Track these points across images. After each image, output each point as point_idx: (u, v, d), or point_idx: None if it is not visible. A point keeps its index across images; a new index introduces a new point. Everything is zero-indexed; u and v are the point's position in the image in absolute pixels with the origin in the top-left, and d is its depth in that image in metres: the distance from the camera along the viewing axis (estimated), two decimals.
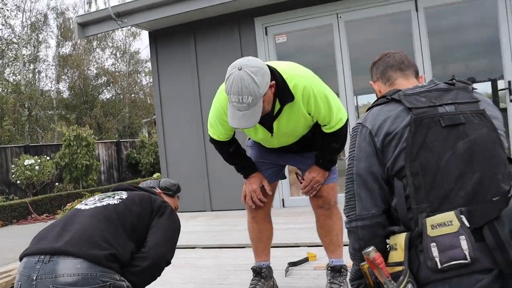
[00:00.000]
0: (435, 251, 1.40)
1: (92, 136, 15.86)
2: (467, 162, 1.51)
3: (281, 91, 2.53)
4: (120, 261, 1.94)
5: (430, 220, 1.44)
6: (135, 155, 19.35)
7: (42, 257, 1.85)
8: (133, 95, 28.88)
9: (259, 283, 3.00)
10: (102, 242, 1.91)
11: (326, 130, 2.72)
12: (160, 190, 2.67)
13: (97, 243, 1.90)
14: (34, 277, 1.81)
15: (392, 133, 1.60)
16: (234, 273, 3.62)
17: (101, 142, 18.75)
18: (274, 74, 2.50)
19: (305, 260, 3.76)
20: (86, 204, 2.18)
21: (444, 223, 1.42)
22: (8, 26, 23.56)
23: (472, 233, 1.42)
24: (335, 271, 2.96)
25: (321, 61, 7.68)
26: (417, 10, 5.98)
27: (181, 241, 5.08)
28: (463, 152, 1.52)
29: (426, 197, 1.48)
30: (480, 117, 1.58)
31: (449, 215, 1.43)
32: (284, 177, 3.23)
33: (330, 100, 2.65)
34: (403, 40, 6.81)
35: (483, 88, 10.76)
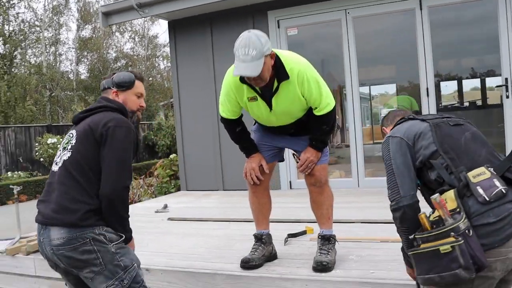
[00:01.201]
0: (481, 191, 1.99)
1: None
2: (475, 142, 2.19)
3: (278, 69, 3.02)
4: (94, 211, 2.40)
5: (470, 174, 2.04)
6: (152, 137, 19.90)
7: (40, 226, 2.46)
8: (150, 78, 29.41)
9: (259, 247, 3.48)
10: (73, 205, 2.38)
11: (316, 113, 3.18)
12: (115, 89, 2.72)
13: (69, 208, 2.38)
14: (41, 239, 2.44)
15: (418, 132, 2.24)
16: (240, 242, 4.11)
17: None
18: (275, 54, 3.02)
19: (303, 232, 4.24)
20: (56, 164, 2.58)
21: (480, 173, 2.03)
22: (31, 10, 24.18)
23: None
24: (325, 239, 3.43)
25: (329, 53, 8.09)
26: (421, 9, 6.36)
27: (193, 215, 5.62)
28: (470, 137, 2.21)
29: (460, 162, 2.10)
30: (469, 122, 2.34)
31: (481, 169, 2.05)
32: (283, 159, 3.65)
33: (320, 86, 3.13)
34: (406, 36, 7.20)
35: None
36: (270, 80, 3.04)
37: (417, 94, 6.79)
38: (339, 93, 9.13)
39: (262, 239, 3.52)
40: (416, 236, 2.08)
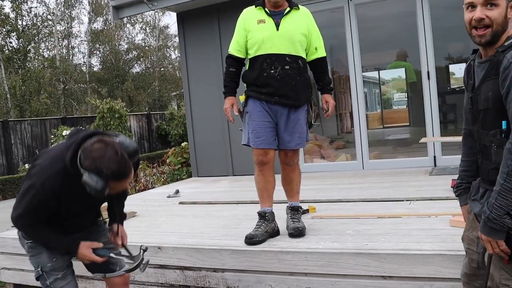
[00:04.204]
0: None
1: (124, 109, 16.75)
2: None
3: (291, 2, 3.73)
4: None
5: None
6: (165, 126, 20.23)
7: None
8: (162, 69, 29.70)
9: (263, 224, 3.74)
10: None
11: (317, 55, 3.81)
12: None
13: None
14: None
15: None
16: (246, 221, 4.35)
17: (133, 115, 19.69)
18: None
19: (306, 211, 4.47)
20: None
21: None
22: (43, 4, 24.54)
23: None
24: (295, 210, 3.89)
25: (335, 40, 8.25)
26: None
27: (203, 199, 5.87)
28: None
29: None
30: None
31: None
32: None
33: (319, 31, 3.83)
34: (407, 21, 7.35)
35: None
36: (283, 6, 3.68)
37: (419, 77, 6.95)
38: (348, 79, 9.33)
39: (266, 216, 3.77)
40: None
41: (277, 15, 3.66)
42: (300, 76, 3.71)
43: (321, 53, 3.84)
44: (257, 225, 3.76)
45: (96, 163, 2.31)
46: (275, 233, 3.82)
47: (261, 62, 3.67)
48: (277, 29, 3.62)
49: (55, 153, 2.60)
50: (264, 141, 3.69)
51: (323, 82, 3.91)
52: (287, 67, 3.65)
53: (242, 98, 3.85)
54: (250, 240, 3.63)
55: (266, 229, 3.73)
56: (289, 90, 3.66)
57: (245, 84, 3.85)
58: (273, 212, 3.84)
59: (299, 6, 3.76)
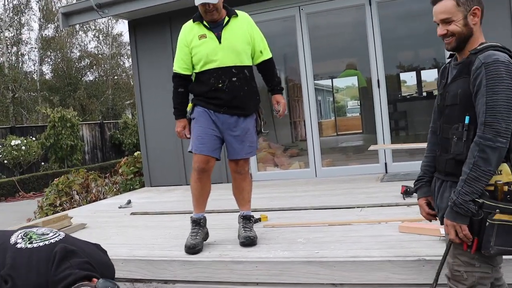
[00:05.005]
0: None
1: (76, 118, 16.39)
2: None
3: (229, 10, 3.70)
4: None
5: None
6: (118, 135, 19.91)
7: None
8: (116, 77, 29.23)
9: (199, 231, 3.75)
10: None
11: (263, 57, 3.83)
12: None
13: None
14: None
15: None
16: None
17: (85, 123, 19.29)
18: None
19: (258, 220, 4.46)
20: None
21: None
22: None
23: None
24: (246, 219, 3.87)
25: (285, 49, 8.33)
26: (370, 4, 6.65)
27: (155, 209, 5.78)
28: None
29: None
30: None
31: None
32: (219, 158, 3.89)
33: (261, 33, 3.84)
34: (357, 30, 7.49)
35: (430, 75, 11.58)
36: (221, 16, 3.64)
37: (370, 86, 7.08)
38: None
39: (200, 223, 3.79)
40: (493, 203, 1.97)
41: (217, 27, 3.65)
42: (248, 86, 3.74)
43: (267, 55, 3.87)
44: (193, 232, 3.76)
45: None
46: (206, 237, 3.86)
47: (208, 77, 3.68)
48: (220, 42, 3.63)
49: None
50: (207, 148, 3.70)
51: (272, 83, 3.95)
52: (234, 79, 3.67)
53: (188, 107, 3.86)
54: (193, 249, 3.63)
55: (202, 236, 3.77)
56: (238, 101, 3.69)
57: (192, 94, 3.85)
58: (205, 217, 3.86)
59: (237, 12, 3.75)
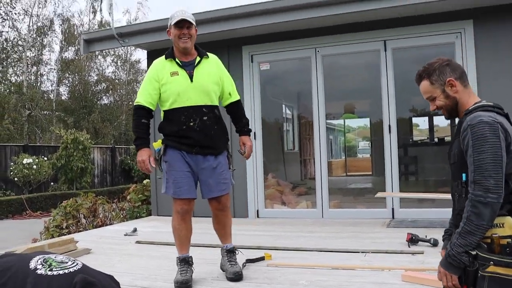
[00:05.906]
0: None
1: (89, 141, 16.55)
2: None
3: (200, 51, 3.84)
4: None
5: None
6: (129, 161, 20.01)
7: None
8: (131, 103, 29.49)
9: (188, 269, 3.80)
10: None
11: (232, 99, 4.00)
12: None
13: None
14: None
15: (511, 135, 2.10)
16: (201, 265, 4.26)
17: (97, 147, 19.45)
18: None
19: (262, 258, 4.47)
20: None
21: None
22: (15, 29, 24.32)
23: None
24: (231, 252, 3.96)
25: (298, 86, 8.44)
26: (385, 50, 6.75)
27: (161, 239, 5.75)
28: None
29: None
30: None
31: None
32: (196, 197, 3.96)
33: (230, 76, 4.01)
34: (372, 73, 7.59)
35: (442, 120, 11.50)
36: (193, 55, 3.80)
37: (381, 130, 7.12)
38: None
39: (189, 261, 3.86)
40: (486, 256, 1.99)
41: (189, 66, 3.77)
42: (217, 125, 3.87)
43: (235, 97, 4.04)
44: (183, 270, 3.81)
45: None
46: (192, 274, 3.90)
47: (179, 116, 3.76)
48: (191, 80, 3.73)
49: None
50: (186, 191, 3.80)
51: (240, 124, 4.09)
52: (205, 118, 3.78)
53: (156, 145, 3.92)
54: (185, 285, 3.68)
55: (191, 273, 3.82)
56: (209, 140, 3.80)
57: (161, 134, 3.93)
58: (191, 257, 3.92)
59: (208, 54, 3.90)
